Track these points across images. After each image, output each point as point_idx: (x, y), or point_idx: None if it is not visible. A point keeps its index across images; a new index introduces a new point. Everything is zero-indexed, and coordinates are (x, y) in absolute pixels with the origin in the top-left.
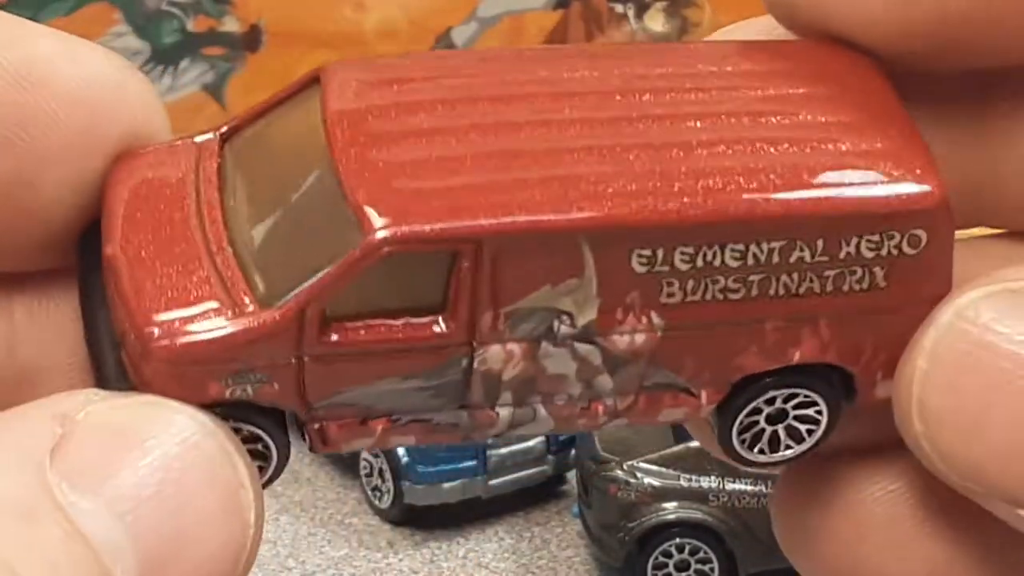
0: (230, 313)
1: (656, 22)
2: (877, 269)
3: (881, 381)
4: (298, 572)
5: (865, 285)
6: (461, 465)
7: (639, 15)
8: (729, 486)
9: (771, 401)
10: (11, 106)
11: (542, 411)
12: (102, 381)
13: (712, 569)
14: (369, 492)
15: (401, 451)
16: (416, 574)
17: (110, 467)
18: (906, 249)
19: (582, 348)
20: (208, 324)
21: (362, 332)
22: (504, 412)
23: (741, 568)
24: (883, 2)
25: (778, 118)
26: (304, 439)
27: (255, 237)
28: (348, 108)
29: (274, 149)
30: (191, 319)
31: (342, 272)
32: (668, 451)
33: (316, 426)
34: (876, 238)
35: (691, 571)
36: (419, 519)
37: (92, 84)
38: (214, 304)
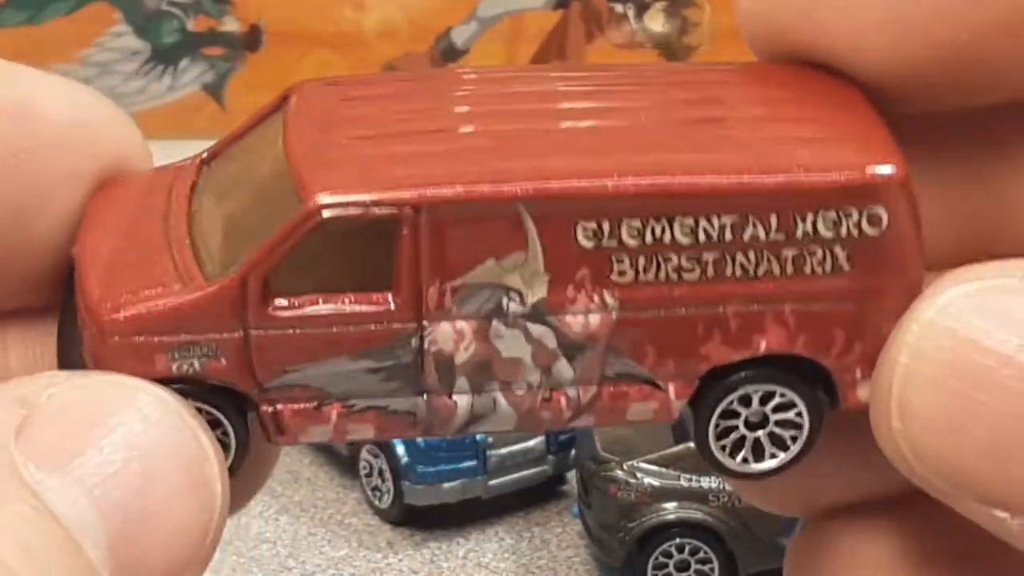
0: (177, 288)
1: (656, 22)
2: (839, 250)
3: (862, 381)
4: (298, 572)
5: (828, 268)
6: (461, 465)
7: (639, 15)
8: (729, 486)
9: (747, 402)
10: (9, 138)
11: (502, 401)
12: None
13: (712, 569)
14: (369, 492)
15: (401, 451)
16: (416, 574)
17: (75, 446)
18: (867, 229)
19: (535, 329)
20: (156, 300)
21: (305, 305)
22: (462, 401)
23: (741, 568)
24: (878, 37)
25: (735, 108)
26: (263, 431)
27: (215, 232)
28: (305, 108)
29: (243, 160)
30: (141, 298)
31: (280, 238)
32: (668, 451)
33: (270, 410)
34: (833, 215)
35: (691, 571)
36: (419, 519)
37: (82, 118)
38: (164, 286)
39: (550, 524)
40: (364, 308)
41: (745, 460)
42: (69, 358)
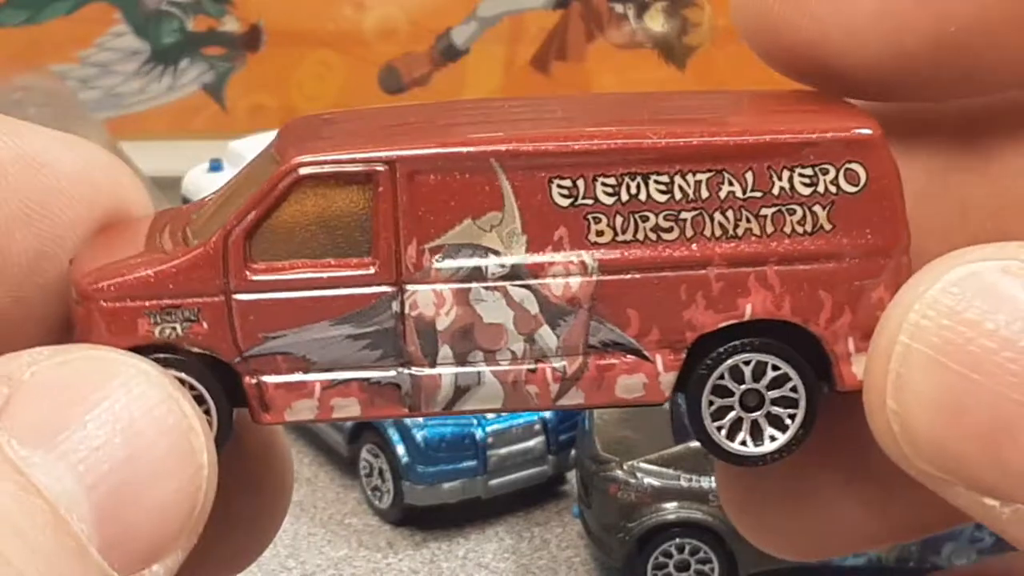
0: (160, 258)
1: (656, 22)
2: (818, 208)
3: (856, 355)
4: (298, 572)
5: (808, 227)
6: (461, 465)
7: (639, 15)
8: None
9: (740, 378)
10: (28, 186)
11: (487, 374)
12: None
13: (712, 569)
14: (369, 492)
15: (401, 451)
16: (416, 574)
17: (59, 422)
18: (845, 186)
19: (516, 292)
20: (139, 269)
21: (286, 268)
22: (447, 373)
23: (741, 568)
24: (870, 29)
25: (710, 110)
26: (249, 409)
27: (204, 219)
28: (299, 124)
29: (238, 178)
30: (124, 268)
31: (260, 195)
32: (668, 451)
33: (253, 382)
34: (809, 172)
35: (691, 571)
36: (419, 519)
37: (90, 165)
38: (148, 258)
39: (550, 524)
40: (344, 272)
41: (744, 443)
42: None
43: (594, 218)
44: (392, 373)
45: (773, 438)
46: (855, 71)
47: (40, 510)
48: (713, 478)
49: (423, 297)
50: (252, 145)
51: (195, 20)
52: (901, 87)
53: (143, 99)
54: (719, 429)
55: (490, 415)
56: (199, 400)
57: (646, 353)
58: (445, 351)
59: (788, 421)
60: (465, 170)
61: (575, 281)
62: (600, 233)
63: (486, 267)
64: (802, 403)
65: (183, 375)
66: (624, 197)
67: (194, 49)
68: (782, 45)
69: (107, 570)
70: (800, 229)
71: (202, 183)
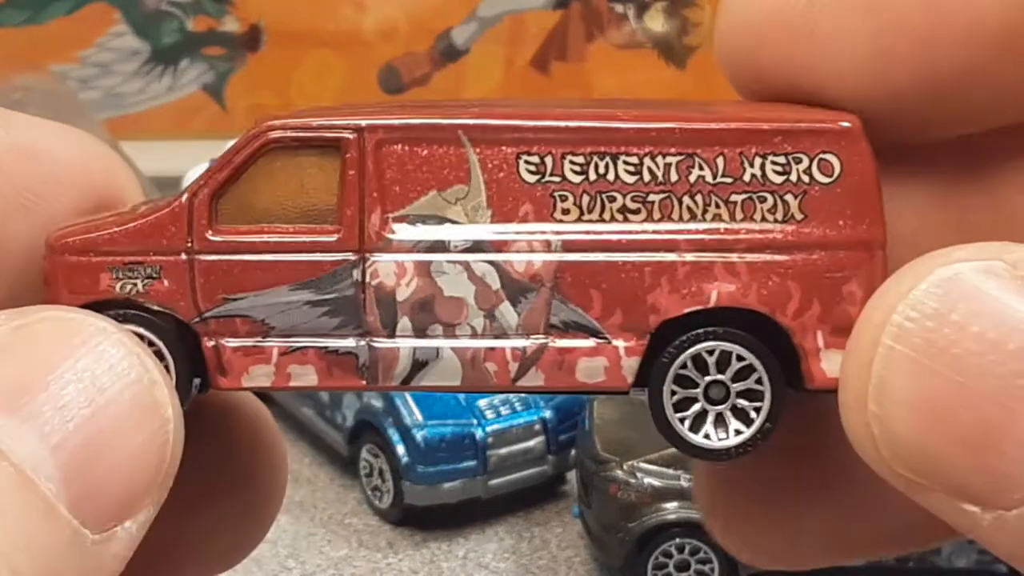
0: (130, 217)
1: (656, 22)
2: (790, 197)
3: (826, 351)
4: (298, 572)
5: (779, 215)
6: (461, 465)
7: (639, 15)
8: None
9: (703, 367)
10: (24, 175)
11: (446, 348)
12: None
13: (712, 569)
14: (369, 492)
15: (401, 451)
16: (416, 574)
17: (21, 384)
18: (818, 176)
19: (478, 266)
20: (107, 228)
21: (250, 232)
22: (405, 346)
23: (741, 568)
24: (863, 71)
25: (707, 104)
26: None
27: None
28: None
29: None
30: (93, 227)
31: (228, 156)
32: (668, 451)
33: (212, 343)
34: (782, 160)
35: (691, 571)
36: (419, 519)
37: (84, 154)
38: (119, 219)
39: (550, 524)
40: (307, 238)
41: (707, 436)
42: None
43: (560, 196)
44: (351, 343)
45: (738, 432)
46: (848, 111)
47: (5, 473)
48: None
49: (384, 267)
50: None
51: (195, 20)
52: (893, 128)
53: (143, 99)
54: (682, 421)
55: (490, 415)
56: (159, 356)
57: (608, 335)
58: (404, 323)
59: (753, 415)
60: (433, 141)
61: (538, 258)
62: (566, 211)
63: (449, 240)
64: (767, 396)
65: (142, 331)
66: (592, 176)
67: (194, 49)
68: (772, 89)
69: (77, 527)
70: (770, 217)
71: None
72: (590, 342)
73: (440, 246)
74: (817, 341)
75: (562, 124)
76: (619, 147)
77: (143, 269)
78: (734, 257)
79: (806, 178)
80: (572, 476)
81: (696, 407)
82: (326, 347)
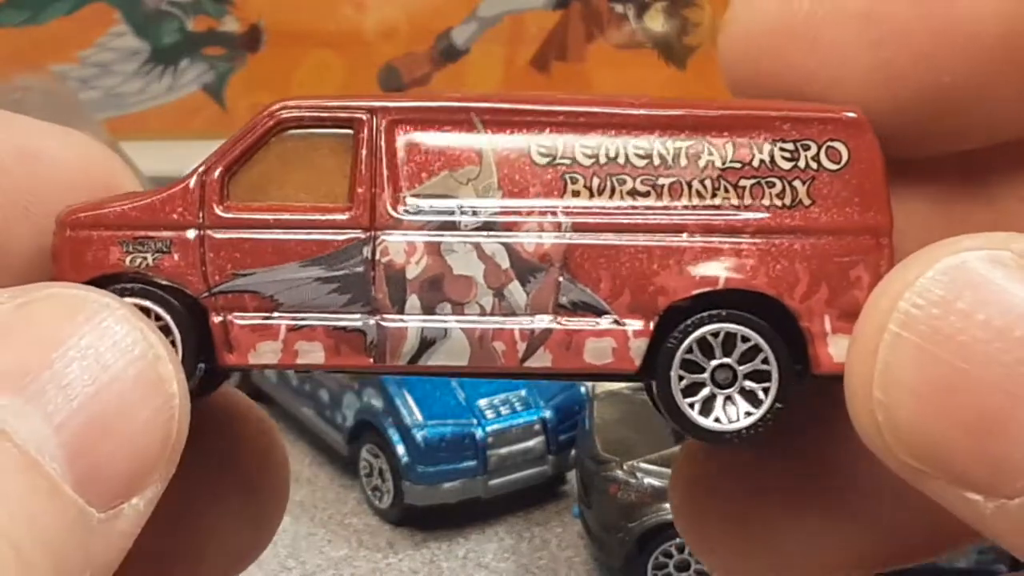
0: (142, 195)
1: (656, 22)
2: (798, 183)
3: (833, 336)
4: (298, 572)
5: (787, 200)
6: (461, 465)
7: (639, 15)
8: None
9: (708, 350)
10: (26, 178)
11: (454, 327)
12: None
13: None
14: (369, 492)
15: (401, 451)
16: (416, 574)
17: (24, 364)
18: (826, 163)
19: (488, 245)
20: (118, 204)
21: (262, 209)
22: (413, 324)
23: None
24: (865, 82)
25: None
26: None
27: None
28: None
29: None
30: (105, 204)
31: (240, 135)
32: (668, 451)
33: (219, 319)
34: (790, 146)
35: (691, 571)
36: (419, 519)
37: (84, 155)
38: (130, 197)
39: (550, 524)
40: (318, 216)
41: (718, 420)
42: None
43: (571, 178)
44: (359, 320)
45: (748, 413)
46: None
47: (9, 453)
48: None
49: (394, 245)
50: None
51: (195, 20)
52: (894, 140)
53: (143, 99)
54: (692, 406)
55: (490, 414)
56: (165, 331)
57: (616, 316)
58: (413, 301)
59: (762, 395)
60: (446, 123)
61: (548, 238)
62: (576, 193)
63: (459, 219)
64: (775, 375)
65: (150, 304)
66: (602, 159)
67: (194, 49)
68: (774, 98)
69: (83, 506)
70: (779, 202)
71: None
72: (598, 323)
73: (450, 225)
74: (824, 325)
75: (574, 109)
76: (630, 132)
77: (153, 243)
78: (742, 240)
79: (814, 164)
80: (572, 476)
81: (705, 391)
82: (334, 324)
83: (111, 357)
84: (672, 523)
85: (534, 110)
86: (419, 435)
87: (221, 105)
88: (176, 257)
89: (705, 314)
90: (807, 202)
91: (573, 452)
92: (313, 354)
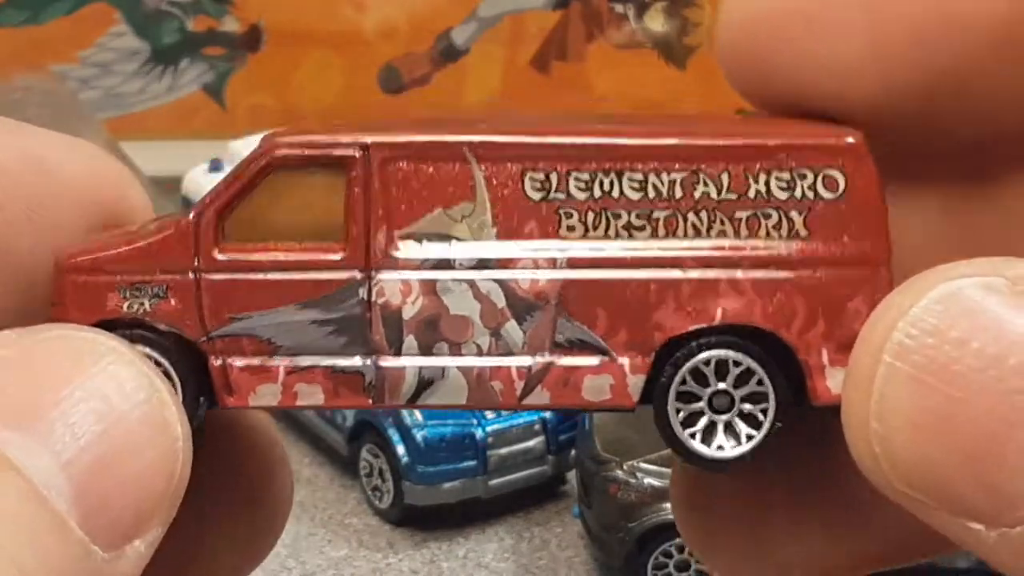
0: (138, 236)
1: (656, 22)
2: (795, 214)
3: (831, 368)
4: (298, 572)
5: (784, 232)
6: (461, 465)
7: (639, 15)
8: None
9: (702, 380)
10: (32, 187)
11: (452, 366)
12: None
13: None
14: (369, 492)
15: (401, 451)
16: (416, 574)
17: (33, 401)
18: (823, 192)
19: (483, 284)
20: (115, 247)
21: (257, 250)
22: (411, 365)
23: None
24: (863, 68)
25: (708, 119)
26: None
27: None
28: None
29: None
30: (102, 246)
31: (234, 176)
32: (668, 451)
33: (219, 363)
34: (786, 176)
35: (691, 571)
36: (419, 519)
37: (92, 168)
38: (127, 237)
39: (550, 524)
40: (313, 256)
41: (720, 447)
42: None
43: (566, 213)
44: (357, 361)
45: (750, 436)
46: (847, 113)
47: (18, 487)
48: None
49: (390, 285)
50: (252, 145)
51: (195, 20)
52: (894, 128)
53: (143, 99)
54: (692, 436)
55: (490, 414)
56: (166, 376)
57: (613, 353)
58: (410, 341)
59: (760, 416)
60: (439, 159)
61: (543, 276)
62: (571, 228)
63: (455, 258)
64: (771, 395)
65: (148, 351)
66: (597, 193)
67: (194, 49)
68: (772, 90)
69: (88, 545)
70: (775, 234)
71: (202, 183)
72: (595, 360)
73: (446, 264)
74: (822, 358)
75: (567, 141)
76: (624, 164)
77: (150, 288)
78: (739, 274)
79: (811, 194)
80: (572, 476)
81: (704, 420)
82: (333, 366)
83: (118, 400)
84: (672, 523)
85: (527, 143)
86: (419, 435)
87: (221, 105)
88: (173, 302)
89: (693, 344)
90: (804, 233)
91: (573, 452)
92: (312, 396)
